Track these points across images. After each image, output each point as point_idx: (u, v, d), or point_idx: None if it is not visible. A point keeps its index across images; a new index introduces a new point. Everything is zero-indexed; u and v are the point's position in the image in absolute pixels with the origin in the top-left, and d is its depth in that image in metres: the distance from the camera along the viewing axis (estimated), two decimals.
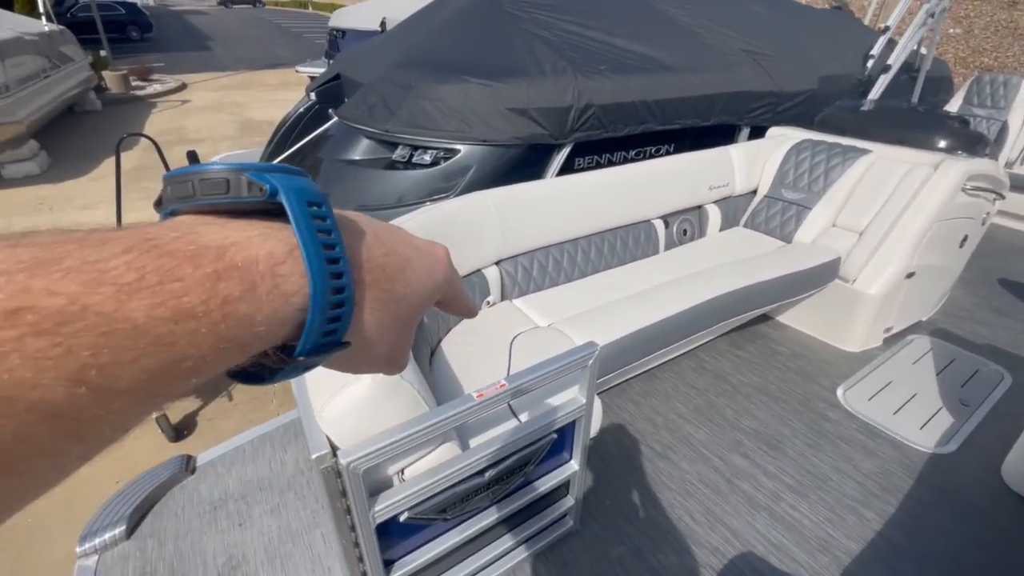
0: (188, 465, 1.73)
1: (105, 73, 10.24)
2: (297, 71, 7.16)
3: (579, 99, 2.56)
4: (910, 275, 2.33)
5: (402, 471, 1.09)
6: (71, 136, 7.96)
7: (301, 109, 3.13)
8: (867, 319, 2.35)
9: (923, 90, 4.29)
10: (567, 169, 2.70)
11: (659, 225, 2.46)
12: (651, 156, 3.08)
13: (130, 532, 1.51)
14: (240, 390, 3.34)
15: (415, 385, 1.05)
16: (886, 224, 2.31)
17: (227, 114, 9.44)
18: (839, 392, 2.17)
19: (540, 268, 2.10)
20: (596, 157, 2.86)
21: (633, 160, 3.04)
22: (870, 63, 3.87)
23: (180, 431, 2.91)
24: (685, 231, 2.61)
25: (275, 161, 2.86)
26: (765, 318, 2.65)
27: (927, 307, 2.68)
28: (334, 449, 0.94)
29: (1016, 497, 1.71)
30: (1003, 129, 4.11)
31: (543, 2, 3.02)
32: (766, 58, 3.49)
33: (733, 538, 1.54)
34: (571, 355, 1.15)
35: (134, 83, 10.78)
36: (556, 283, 2.15)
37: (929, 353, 2.44)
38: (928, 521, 1.61)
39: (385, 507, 1.02)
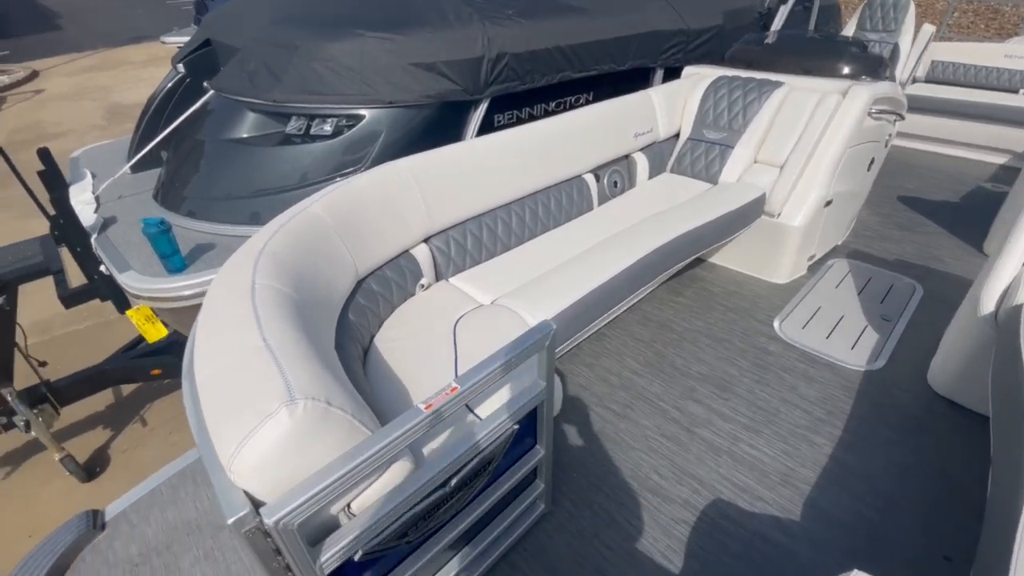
0: (95, 521, 1.46)
1: None
2: (163, 42, 6.22)
3: (490, 48, 2.35)
4: (828, 203, 2.40)
5: (348, 505, 0.92)
6: None
7: (170, 84, 2.67)
8: (793, 250, 2.42)
9: (816, 19, 4.42)
10: (487, 127, 2.51)
11: (590, 180, 2.36)
12: (571, 106, 2.95)
13: None
14: (154, 411, 2.98)
15: (348, 408, 0.87)
16: (803, 156, 2.35)
17: (91, 100, 8.24)
18: (775, 324, 2.22)
19: (474, 240, 1.93)
20: (516, 112, 2.68)
21: (554, 112, 2.89)
22: None
23: (91, 469, 2.57)
24: (616, 183, 2.53)
25: (147, 148, 2.43)
26: (698, 261, 2.67)
27: (842, 231, 2.81)
28: (256, 505, 0.75)
29: (944, 401, 1.83)
30: (895, 51, 4.33)
31: None
32: None
33: (700, 487, 1.53)
34: (525, 340, 1.01)
35: None
36: (493, 254, 2.00)
37: (849, 275, 2.56)
38: (871, 437, 1.69)
39: (334, 554, 0.85)
